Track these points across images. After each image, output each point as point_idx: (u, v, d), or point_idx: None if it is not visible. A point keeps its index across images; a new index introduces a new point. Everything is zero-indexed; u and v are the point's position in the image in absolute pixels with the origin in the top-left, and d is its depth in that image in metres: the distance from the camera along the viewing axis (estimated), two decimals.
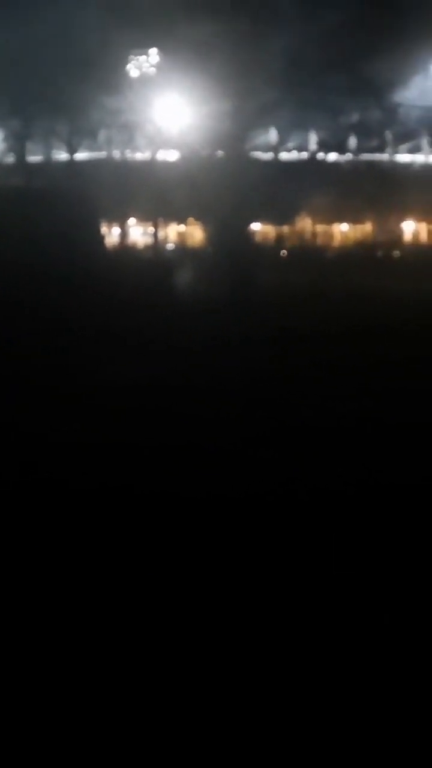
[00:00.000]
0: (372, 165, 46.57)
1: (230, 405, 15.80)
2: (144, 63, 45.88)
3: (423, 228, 49.83)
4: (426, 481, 11.39)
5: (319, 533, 9.54)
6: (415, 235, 49.91)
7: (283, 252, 48.35)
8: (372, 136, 46.89)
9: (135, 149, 46.53)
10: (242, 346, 22.36)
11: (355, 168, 46.54)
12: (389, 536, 9.45)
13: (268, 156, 46.20)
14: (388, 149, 47.76)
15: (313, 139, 46.80)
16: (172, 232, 49.67)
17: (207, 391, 16.90)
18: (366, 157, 47.13)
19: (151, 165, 45.03)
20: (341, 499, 10.64)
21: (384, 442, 13.35)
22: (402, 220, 48.86)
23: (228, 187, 41.16)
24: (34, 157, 46.20)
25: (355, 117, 45.70)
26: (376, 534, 9.52)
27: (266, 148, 46.20)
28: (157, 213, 46.76)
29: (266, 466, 11.99)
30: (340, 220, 49.37)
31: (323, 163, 46.91)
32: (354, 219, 49.03)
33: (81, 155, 46.26)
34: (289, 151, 46.94)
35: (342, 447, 13.06)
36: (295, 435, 13.75)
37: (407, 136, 47.61)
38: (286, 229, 49.18)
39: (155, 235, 47.91)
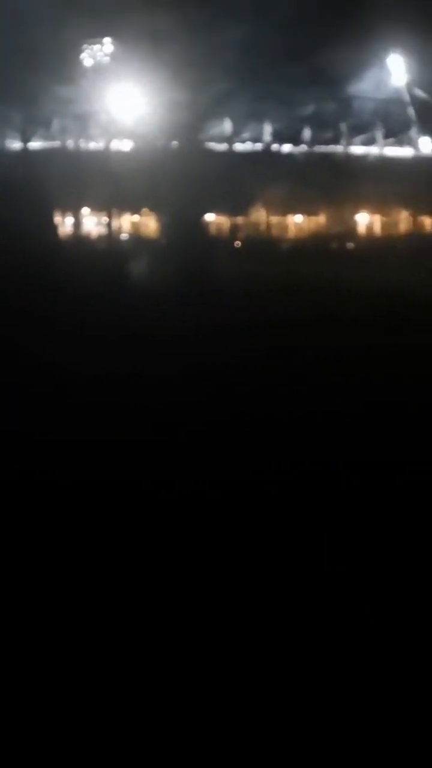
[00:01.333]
0: (326, 157, 46.63)
1: (188, 395, 15.78)
2: (98, 52, 45.66)
3: (377, 219, 49.98)
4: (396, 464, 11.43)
5: (291, 528, 9.52)
6: (369, 226, 50.05)
7: (237, 243, 48.34)
8: (326, 127, 46.94)
9: (89, 139, 46.31)
10: (195, 336, 22.35)
11: (309, 159, 46.58)
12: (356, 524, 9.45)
13: (222, 147, 46.14)
14: (343, 141, 47.84)
15: (267, 131, 46.79)
16: (126, 222, 49.50)
17: (164, 382, 16.87)
18: (320, 148, 47.20)
19: (105, 155, 44.83)
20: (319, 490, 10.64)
21: (350, 428, 13.38)
22: (356, 211, 48.99)
23: (182, 178, 41.07)
24: None
25: (309, 108, 45.70)
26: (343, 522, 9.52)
27: (221, 139, 46.13)
28: (111, 203, 46.59)
29: (233, 458, 11.97)
30: (295, 211, 49.42)
31: (278, 154, 46.92)
32: (308, 210, 49.09)
33: (34, 144, 46.00)
34: (243, 142, 46.90)
35: (309, 435, 13.07)
36: (254, 425, 13.74)
37: (362, 128, 47.71)
38: (240, 220, 49.17)
39: (109, 225, 47.74)
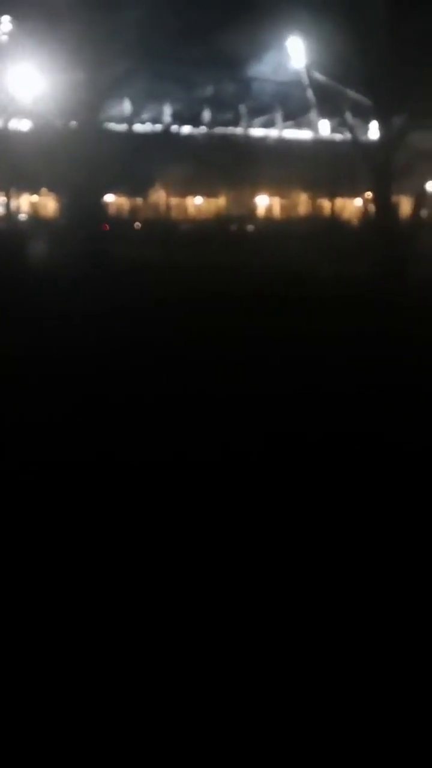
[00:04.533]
0: (226, 138, 46.77)
1: (81, 374, 15.78)
2: None
3: (276, 201, 50.28)
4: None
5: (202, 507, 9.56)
6: (269, 208, 50.34)
7: (137, 224, 48.32)
8: (226, 109, 47.07)
9: None
10: (96, 317, 22.33)
11: (209, 141, 46.67)
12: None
13: (122, 127, 46.02)
14: (242, 123, 48.00)
15: (167, 111, 46.76)
16: (24, 202, 49.21)
17: (59, 363, 16.83)
18: (220, 130, 47.32)
19: (3, 134, 44.42)
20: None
21: (240, 410, 13.45)
22: (255, 193, 49.23)
23: (81, 158, 40.88)
24: None
25: (209, 90, 45.77)
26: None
27: (120, 120, 46.00)
28: (9, 183, 46.26)
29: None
30: (194, 192, 49.53)
31: (177, 135, 46.93)
32: (208, 192, 49.22)
33: None
34: (143, 122, 46.82)
35: (201, 417, 13.12)
36: (152, 406, 13.78)
37: (261, 111, 47.92)
38: (140, 201, 49.14)
39: (7, 205, 47.41)
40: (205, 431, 12.10)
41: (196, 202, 50.16)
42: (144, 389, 14.74)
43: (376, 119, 42.20)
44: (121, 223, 46.90)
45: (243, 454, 11.13)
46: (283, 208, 50.10)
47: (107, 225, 44.83)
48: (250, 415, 13.08)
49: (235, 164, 45.09)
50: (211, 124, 47.09)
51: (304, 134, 48.28)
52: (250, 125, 48.07)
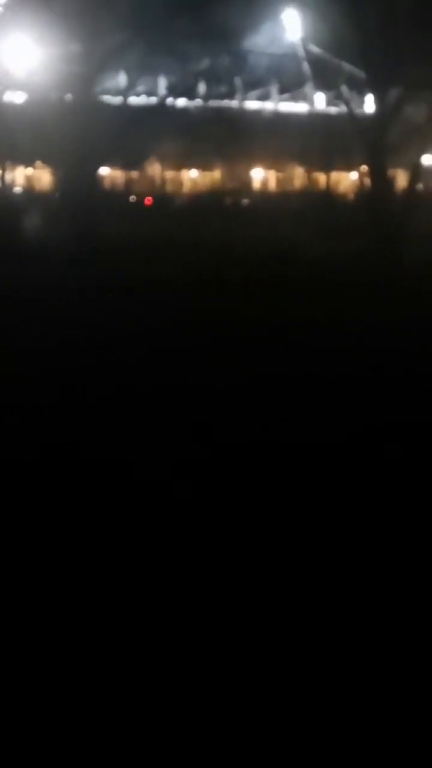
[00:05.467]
0: (221, 111, 46.57)
1: (79, 358, 15.84)
2: None
3: (271, 175, 50.16)
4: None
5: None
6: (264, 182, 50.24)
7: (132, 197, 48.23)
8: (221, 82, 46.85)
9: None
10: (93, 295, 22.38)
11: (204, 114, 46.48)
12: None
13: (117, 100, 45.81)
14: (238, 96, 47.82)
15: (162, 84, 46.55)
16: (19, 175, 49.08)
17: (57, 343, 16.90)
18: (215, 103, 47.11)
19: None
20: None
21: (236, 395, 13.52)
22: (251, 167, 49.09)
23: (76, 131, 40.75)
24: None
25: (204, 63, 45.51)
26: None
27: (115, 92, 45.79)
28: (4, 156, 46.11)
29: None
30: (189, 166, 49.39)
31: (172, 108, 46.71)
32: (203, 165, 49.08)
33: None
34: (138, 95, 46.61)
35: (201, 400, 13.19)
36: (147, 389, 13.86)
37: (256, 83, 47.72)
38: (135, 174, 49.01)
39: (2, 178, 47.28)
40: (196, 418, 12.18)
41: (192, 176, 50.05)
42: (128, 372, 14.79)
43: (372, 92, 42.06)
44: (116, 196, 46.81)
45: (233, 445, 11.21)
46: (278, 181, 49.98)
47: (151, 199, 44.73)
48: (243, 403, 13.16)
49: (230, 137, 44.90)
50: (206, 97, 46.88)
51: (299, 107, 48.10)
52: (245, 98, 47.89)
